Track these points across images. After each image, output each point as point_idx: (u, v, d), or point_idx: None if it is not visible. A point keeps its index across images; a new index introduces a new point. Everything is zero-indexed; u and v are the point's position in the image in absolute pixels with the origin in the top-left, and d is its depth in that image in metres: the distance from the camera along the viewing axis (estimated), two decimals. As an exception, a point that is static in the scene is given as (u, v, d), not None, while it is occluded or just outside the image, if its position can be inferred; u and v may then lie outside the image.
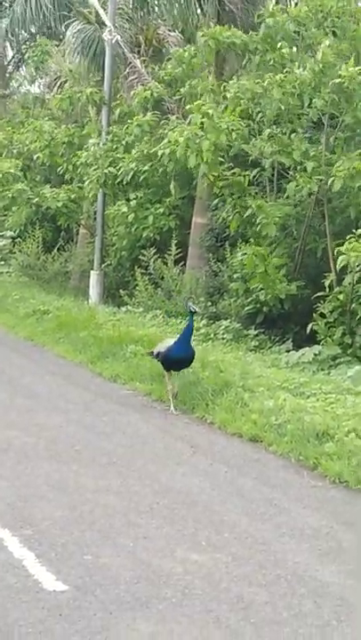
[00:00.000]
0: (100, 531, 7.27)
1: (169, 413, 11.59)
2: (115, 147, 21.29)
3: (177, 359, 12.11)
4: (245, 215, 16.83)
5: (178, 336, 12.51)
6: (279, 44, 16.96)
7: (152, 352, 12.75)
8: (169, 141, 16.99)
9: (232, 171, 17.17)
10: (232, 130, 16.32)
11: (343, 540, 7.24)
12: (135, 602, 5.92)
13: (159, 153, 17.60)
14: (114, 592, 6.05)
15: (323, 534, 7.38)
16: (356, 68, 15.18)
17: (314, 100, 15.88)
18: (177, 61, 21.00)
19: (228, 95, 16.75)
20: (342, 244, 14.46)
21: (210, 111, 16.32)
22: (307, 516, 7.85)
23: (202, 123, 16.23)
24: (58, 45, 28.46)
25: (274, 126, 16.50)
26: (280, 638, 5.48)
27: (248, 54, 18.05)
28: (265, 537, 7.29)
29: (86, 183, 21.72)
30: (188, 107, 17.46)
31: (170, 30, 24.14)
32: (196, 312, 12.80)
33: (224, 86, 17.37)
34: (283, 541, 7.19)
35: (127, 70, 23.18)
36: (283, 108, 16.00)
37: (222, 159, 17.05)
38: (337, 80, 15.26)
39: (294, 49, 16.99)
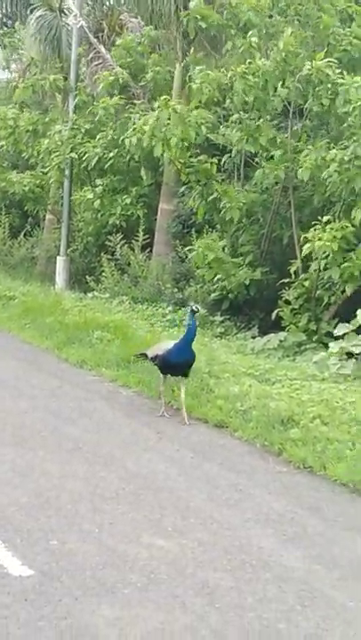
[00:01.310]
0: (66, 516, 7.27)
1: (159, 415, 10.88)
2: (75, 134, 21.26)
3: (176, 363, 11.02)
4: (210, 199, 16.87)
5: (179, 338, 11.44)
6: (250, 33, 16.95)
7: (144, 354, 11.94)
8: (134, 130, 17.02)
9: (199, 157, 17.19)
10: (201, 124, 16.35)
11: (308, 526, 7.29)
12: (101, 587, 5.93)
13: (125, 142, 17.62)
14: (80, 577, 6.06)
15: (287, 519, 7.42)
16: (324, 60, 15.20)
17: (278, 90, 15.90)
18: (125, 49, 21.06)
19: (194, 86, 16.74)
20: (308, 232, 14.54)
21: (178, 107, 16.39)
22: (272, 501, 7.89)
23: (169, 117, 16.29)
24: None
25: (242, 112, 16.50)
26: (245, 623, 5.51)
27: (224, 39, 18.09)
28: (230, 522, 7.32)
29: (48, 169, 21.72)
30: (153, 93, 17.46)
31: (132, 16, 24.03)
32: (197, 311, 11.60)
33: (189, 76, 17.37)
34: (248, 527, 7.22)
35: (91, 55, 23.07)
36: (247, 98, 16.00)
37: (188, 146, 17.06)
38: (305, 72, 15.27)
39: (255, 39, 16.99)
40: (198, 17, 17.96)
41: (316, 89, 15.40)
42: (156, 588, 5.97)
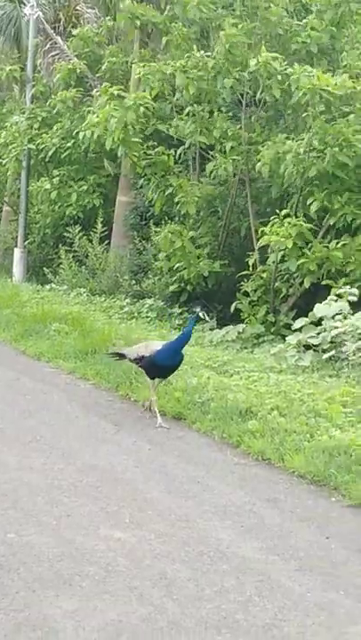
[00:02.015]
0: (24, 509, 7.23)
1: (157, 426, 10.02)
2: (32, 124, 21.21)
3: (163, 366, 10.42)
4: (166, 193, 16.89)
5: (171, 339, 11.05)
6: (188, 27, 17.00)
7: (119, 354, 11.29)
8: (88, 123, 17.04)
9: (156, 150, 17.18)
10: (140, 104, 16.34)
11: (265, 517, 7.31)
12: (58, 579, 5.91)
13: (80, 135, 17.63)
14: (37, 570, 6.02)
15: (245, 511, 7.43)
16: (271, 54, 15.22)
17: (225, 81, 15.92)
18: (81, 39, 21.03)
19: (136, 76, 16.77)
20: (266, 224, 14.59)
21: (115, 92, 16.43)
22: (229, 493, 7.89)
23: (114, 104, 16.34)
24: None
25: (196, 105, 16.54)
26: (203, 614, 5.51)
27: (162, 34, 18.14)
28: (188, 514, 7.32)
29: (5, 161, 21.64)
30: (110, 84, 17.46)
31: (89, 7, 23.97)
32: (203, 319, 11.16)
33: (140, 67, 17.38)
34: (206, 518, 7.23)
35: (47, 46, 22.98)
36: (191, 91, 16.04)
37: (142, 138, 17.08)
38: (252, 67, 15.29)
39: (195, 30, 17.03)
40: (130, 15, 18.04)
41: (267, 82, 15.42)
42: (113, 579, 5.95)
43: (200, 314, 10.61)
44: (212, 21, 17.51)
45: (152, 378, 10.51)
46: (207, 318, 11.92)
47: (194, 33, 17.21)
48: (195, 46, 16.67)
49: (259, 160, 15.30)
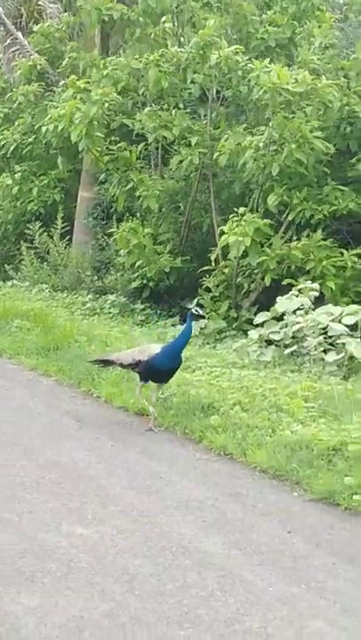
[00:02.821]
0: (-15, 506, 7.22)
1: (147, 430, 9.69)
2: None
3: (162, 370, 9.90)
4: (127, 188, 16.88)
5: (169, 342, 10.59)
6: (163, 19, 16.97)
7: (105, 360, 10.72)
8: (51, 117, 16.98)
9: (118, 145, 17.16)
10: (105, 101, 16.31)
11: (228, 512, 7.32)
12: (20, 576, 5.90)
13: (43, 129, 17.56)
14: (-1, 567, 6.02)
15: (208, 506, 7.45)
16: (232, 48, 15.23)
17: (195, 76, 15.93)
18: (43, 35, 20.94)
19: (105, 71, 16.72)
20: (227, 221, 14.62)
21: (82, 85, 16.39)
22: (192, 488, 7.91)
23: (80, 97, 16.30)
24: None
25: (159, 100, 16.56)
26: (165, 609, 5.52)
27: (130, 28, 18.08)
28: (150, 509, 7.32)
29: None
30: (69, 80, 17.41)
31: (51, 2, 23.82)
32: (200, 317, 10.73)
33: (104, 62, 17.34)
34: (168, 514, 7.24)
35: (8, 41, 22.82)
36: (163, 85, 16.03)
37: (104, 133, 17.05)
38: (213, 61, 15.32)
39: (169, 25, 17.01)
40: (95, 9, 17.99)
41: (227, 76, 15.45)
42: (75, 576, 5.95)
43: (193, 310, 10.17)
44: (184, 14, 17.52)
45: (146, 381, 10.00)
46: (203, 313, 11.46)
47: (168, 25, 17.14)
48: (169, 42, 16.67)
49: (221, 154, 15.30)
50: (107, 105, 16.49)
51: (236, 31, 16.55)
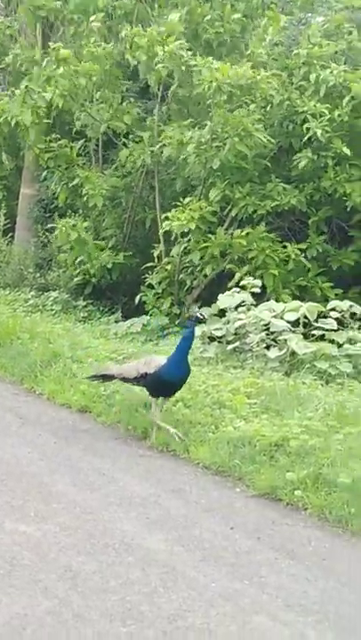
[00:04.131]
0: None
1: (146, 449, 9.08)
2: None
3: (171, 381, 9.22)
4: (71, 185, 16.85)
5: (173, 351, 9.54)
6: (93, 17, 16.96)
7: (105, 375, 9.96)
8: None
9: (59, 142, 17.11)
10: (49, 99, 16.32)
11: (171, 508, 7.34)
12: None
13: None
14: None
15: (151, 503, 7.45)
16: (177, 43, 15.24)
17: (150, 73, 15.92)
18: None
19: (49, 69, 16.67)
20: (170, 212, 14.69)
21: (31, 85, 16.38)
22: (135, 484, 7.91)
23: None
24: None
25: (104, 90, 16.62)
26: (108, 606, 5.52)
27: (64, 24, 18.07)
28: (93, 506, 7.31)
29: None
30: (14, 77, 17.33)
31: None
32: (203, 319, 9.85)
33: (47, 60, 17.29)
34: (111, 510, 7.23)
35: None
36: (103, 78, 16.08)
37: (45, 130, 17.02)
38: (160, 55, 15.32)
39: (97, 24, 17.02)
40: (31, 7, 17.97)
41: (170, 72, 15.48)
42: (18, 573, 5.92)
43: (198, 314, 9.51)
44: (117, 10, 17.51)
45: (156, 396, 9.28)
46: (206, 316, 10.67)
47: (96, 24, 17.11)
48: (97, 37, 16.67)
49: (164, 145, 15.32)
50: (56, 101, 16.44)
51: (189, 28, 16.49)
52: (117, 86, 16.95)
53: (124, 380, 9.66)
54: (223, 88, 14.31)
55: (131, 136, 16.70)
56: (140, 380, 9.33)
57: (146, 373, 9.23)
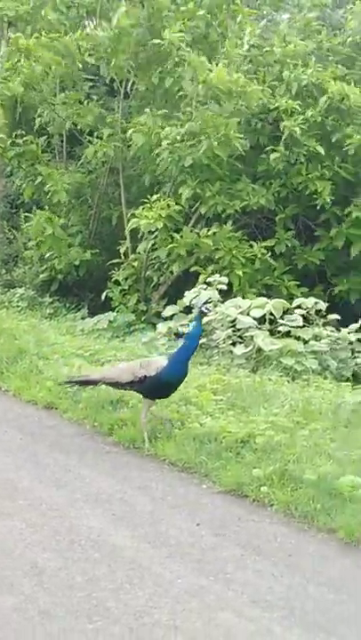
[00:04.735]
0: None
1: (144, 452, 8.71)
2: None
3: (171, 383, 8.87)
4: (36, 182, 16.82)
5: (174, 351, 9.31)
6: (49, 14, 16.96)
7: (88, 380, 9.49)
8: None
9: (24, 139, 17.07)
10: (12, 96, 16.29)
11: (137, 505, 7.33)
12: None
13: None
14: None
15: (117, 499, 7.44)
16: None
17: (110, 66, 15.90)
18: None
19: (6, 65, 16.65)
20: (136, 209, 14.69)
21: None
22: (101, 481, 7.90)
23: None
24: None
25: (66, 91, 16.58)
26: (74, 603, 5.51)
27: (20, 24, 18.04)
28: (59, 503, 7.30)
29: None
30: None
31: None
32: (207, 313, 9.56)
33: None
34: (77, 507, 7.22)
35: None
36: (63, 71, 16.09)
37: (9, 126, 16.99)
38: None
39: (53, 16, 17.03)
40: None
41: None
42: (-17, 570, 5.91)
43: (203, 308, 9.10)
44: (77, 8, 17.50)
45: (153, 398, 8.98)
46: (212, 310, 10.49)
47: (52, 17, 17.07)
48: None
49: (135, 132, 15.31)
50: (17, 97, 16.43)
51: (150, 24, 16.47)
52: (80, 82, 16.93)
53: (116, 385, 9.13)
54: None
55: (95, 133, 16.68)
56: (136, 384, 8.84)
57: (145, 376, 8.74)
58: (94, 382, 9.38)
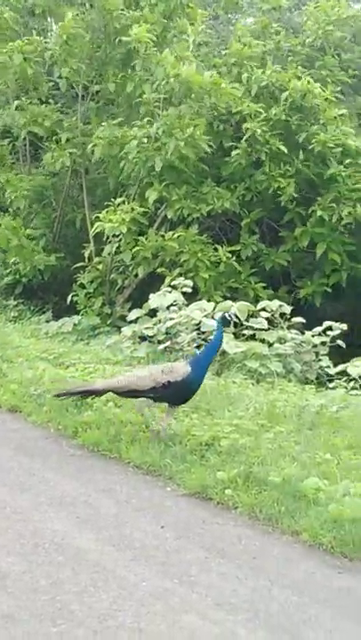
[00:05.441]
0: None
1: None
2: None
3: (193, 389, 8.74)
4: (-1, 187, 16.82)
5: (197, 354, 9.41)
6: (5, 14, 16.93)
7: (88, 390, 9.27)
8: None
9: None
10: None
11: (101, 508, 7.32)
12: None
13: None
14: None
15: (81, 502, 7.43)
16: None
17: (62, 70, 15.88)
18: None
19: None
20: (100, 213, 14.68)
21: None
22: (65, 484, 7.87)
23: None
24: None
25: (24, 97, 16.54)
26: (38, 606, 5.49)
27: None
28: (23, 506, 7.27)
29: None
30: None
31: None
32: (230, 321, 9.22)
33: None
34: (41, 510, 7.19)
35: None
36: (29, 72, 16.02)
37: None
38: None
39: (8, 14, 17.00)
40: None
41: (117, 69, 15.50)
42: None
43: (226, 315, 8.94)
44: (35, 8, 17.48)
45: (175, 404, 8.85)
46: (236, 317, 9.92)
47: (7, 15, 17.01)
48: (33, 31, 16.62)
49: (95, 145, 15.30)
50: None
51: (104, 26, 16.44)
52: (42, 86, 16.91)
53: (131, 392, 8.81)
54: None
55: (55, 137, 16.64)
56: (159, 390, 8.60)
57: (168, 382, 8.55)
58: (97, 392, 9.21)
